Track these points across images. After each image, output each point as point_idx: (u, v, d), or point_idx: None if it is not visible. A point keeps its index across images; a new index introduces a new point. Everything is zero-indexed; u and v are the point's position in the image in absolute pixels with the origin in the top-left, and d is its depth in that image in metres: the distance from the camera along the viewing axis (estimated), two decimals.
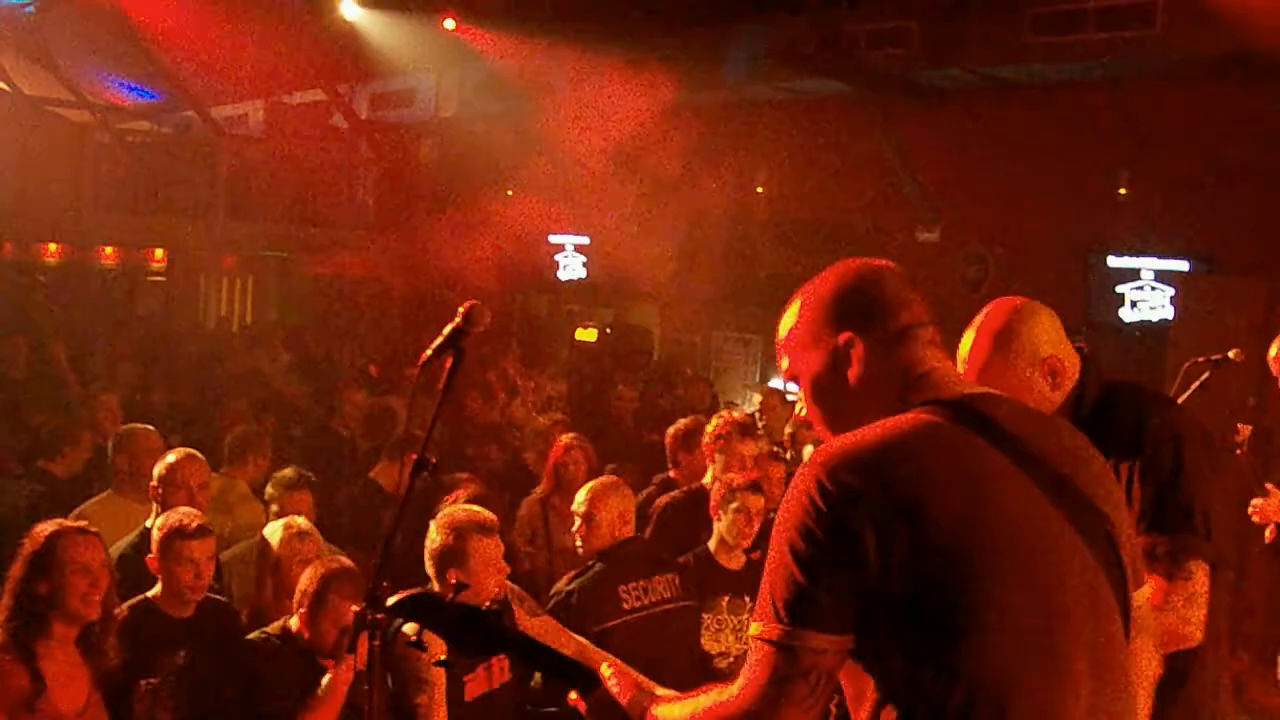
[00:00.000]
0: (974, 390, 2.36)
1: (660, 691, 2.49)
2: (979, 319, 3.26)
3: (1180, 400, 5.80)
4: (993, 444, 2.24)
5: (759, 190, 13.83)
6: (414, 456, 3.00)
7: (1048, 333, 3.24)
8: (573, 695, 2.54)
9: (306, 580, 4.46)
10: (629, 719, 2.45)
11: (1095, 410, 3.22)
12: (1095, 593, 2.25)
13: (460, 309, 3.02)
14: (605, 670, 2.53)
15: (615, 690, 2.48)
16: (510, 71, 14.35)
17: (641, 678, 2.54)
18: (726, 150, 13.35)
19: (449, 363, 3.00)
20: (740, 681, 2.21)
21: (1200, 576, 3.03)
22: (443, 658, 2.70)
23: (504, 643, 2.61)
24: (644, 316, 16.29)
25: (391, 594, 2.63)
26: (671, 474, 6.94)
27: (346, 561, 4.66)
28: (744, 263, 14.05)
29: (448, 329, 3.01)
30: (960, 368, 3.16)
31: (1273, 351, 6.22)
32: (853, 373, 2.38)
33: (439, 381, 3.02)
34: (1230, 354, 5.79)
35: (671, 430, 7.05)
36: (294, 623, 4.46)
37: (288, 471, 6.23)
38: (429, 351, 3.03)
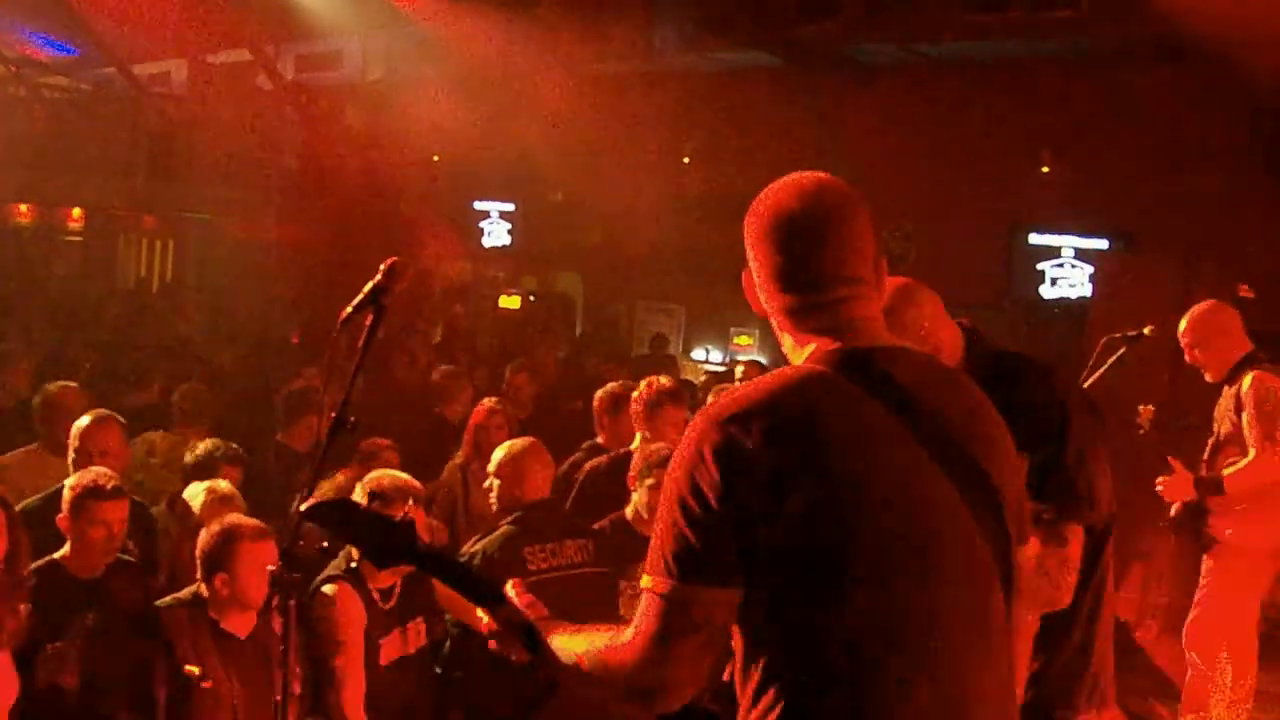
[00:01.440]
0: (876, 343, 2.33)
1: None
2: None
3: (1098, 374, 5.89)
4: (881, 399, 2.23)
5: (686, 161, 13.81)
6: (333, 415, 2.97)
7: (925, 311, 3.32)
8: (479, 612, 2.55)
9: (206, 540, 4.38)
10: (529, 640, 2.45)
11: (983, 384, 3.25)
12: (974, 554, 2.26)
13: (382, 265, 2.99)
14: (509, 589, 2.53)
15: (521, 607, 2.48)
16: (438, 36, 14.20)
17: (544, 609, 2.53)
18: (654, 120, 13.32)
19: (369, 320, 2.98)
20: (632, 630, 2.21)
21: (1074, 543, 3.13)
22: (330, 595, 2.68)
23: (414, 554, 2.59)
24: (568, 285, 16.25)
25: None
26: (600, 439, 6.91)
27: (248, 520, 4.59)
28: (669, 233, 14.04)
29: (368, 286, 2.98)
30: None
31: (1182, 327, 6.34)
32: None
33: (359, 340, 2.99)
34: (1146, 330, 5.88)
35: (599, 395, 7.00)
36: (203, 588, 4.39)
37: (209, 443, 6.13)
38: (349, 309, 3.00)
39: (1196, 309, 6.32)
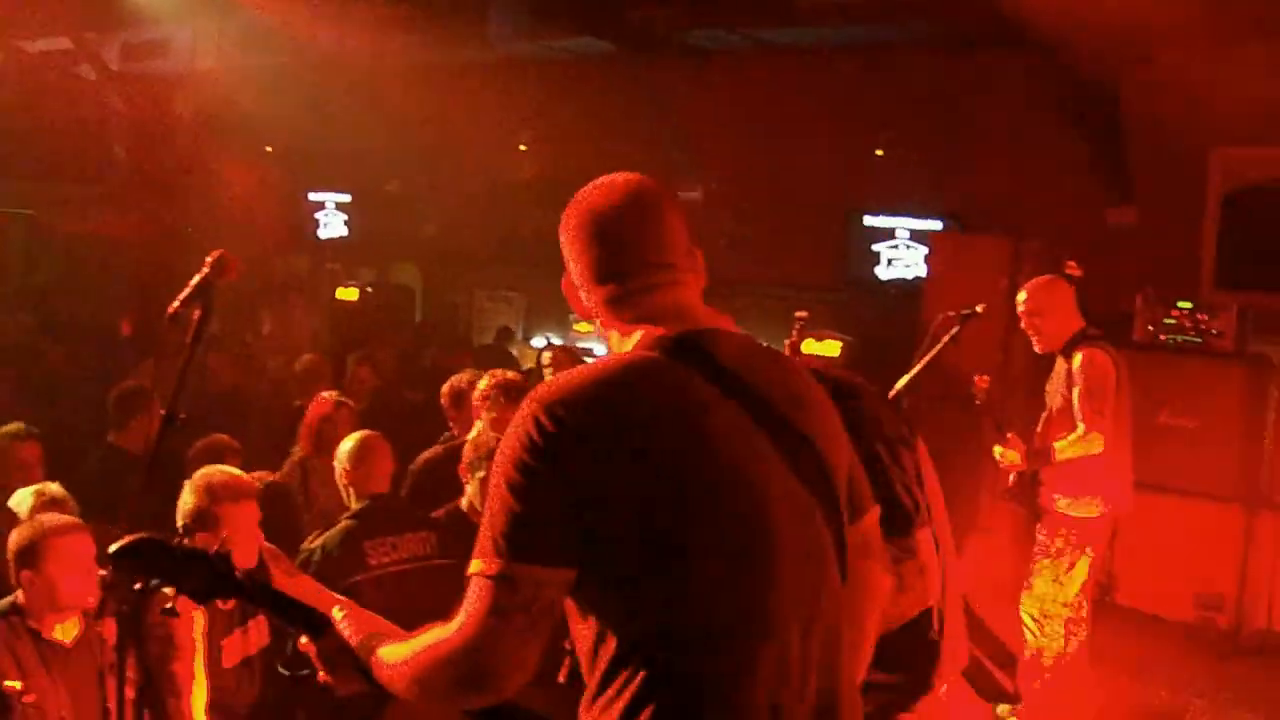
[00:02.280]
0: (699, 326, 2.37)
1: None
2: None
3: (933, 353, 6.01)
4: (709, 380, 2.27)
5: (522, 148, 13.71)
6: (163, 413, 2.90)
7: None
8: (303, 640, 2.51)
9: (14, 539, 4.23)
10: (360, 662, 2.42)
11: None
12: (807, 530, 2.31)
13: (208, 258, 2.92)
14: (337, 614, 2.49)
15: (346, 633, 2.45)
16: (270, 24, 13.89)
17: (382, 621, 2.50)
18: (490, 108, 13.21)
19: (197, 314, 2.91)
20: (460, 617, 2.20)
21: (923, 547, 3.29)
22: (169, 605, 2.61)
23: (232, 586, 2.54)
24: (406, 275, 16.07)
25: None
26: (453, 432, 6.89)
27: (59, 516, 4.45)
28: (507, 221, 13.98)
29: (195, 279, 2.92)
30: None
31: (1022, 297, 6.52)
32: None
33: (187, 335, 2.92)
34: (977, 308, 6.02)
35: (444, 388, 7.01)
36: (20, 596, 4.23)
37: (11, 426, 5.94)
38: (176, 303, 2.93)
39: (1036, 280, 6.54)
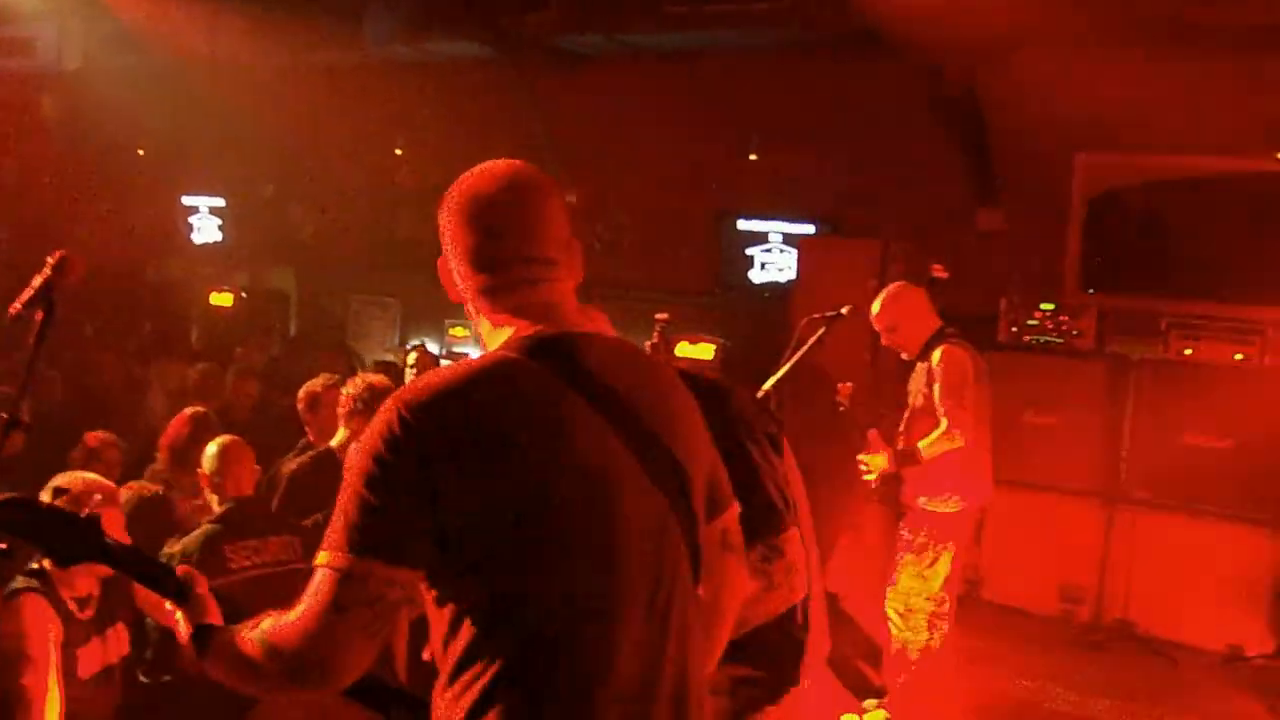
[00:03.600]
0: (567, 328, 2.40)
1: None
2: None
3: (799, 354, 6.08)
4: (570, 384, 2.30)
5: (398, 153, 13.63)
6: (4, 416, 2.85)
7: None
8: (168, 604, 2.52)
9: None
10: (200, 639, 2.43)
11: None
12: (656, 529, 2.35)
13: (49, 259, 2.88)
14: (198, 585, 2.53)
15: (209, 604, 2.50)
16: (140, 23, 13.65)
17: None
18: (367, 112, 13.13)
19: (40, 317, 2.87)
20: (301, 606, 2.20)
21: (790, 547, 3.33)
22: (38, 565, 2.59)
23: (100, 551, 2.52)
24: (282, 280, 15.88)
25: None
26: (309, 438, 6.86)
27: None
28: (383, 226, 13.89)
29: (37, 281, 2.87)
30: None
31: (875, 309, 6.63)
32: None
33: (30, 336, 2.88)
34: (843, 310, 6.09)
35: (301, 393, 6.99)
36: None
37: None
38: (18, 304, 2.89)
39: (885, 293, 6.64)
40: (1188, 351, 8.78)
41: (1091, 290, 9.86)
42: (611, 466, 2.29)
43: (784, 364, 6.04)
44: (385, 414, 2.21)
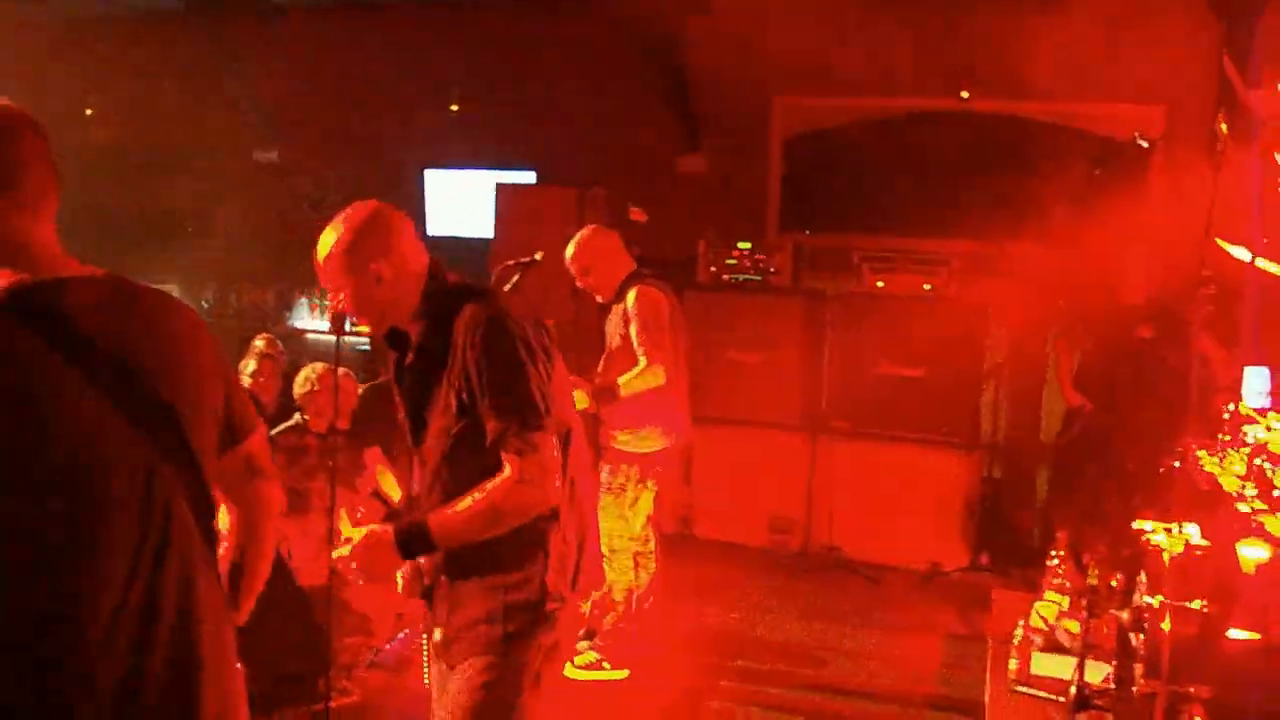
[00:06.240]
0: (44, 274, 2.32)
1: None
2: (336, 222, 3.49)
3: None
4: (43, 336, 2.21)
5: (89, 113, 13.02)
6: None
7: (379, 240, 3.48)
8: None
9: None
10: None
11: (440, 310, 3.48)
12: (147, 487, 2.30)
13: None
14: None
15: None
16: None
17: None
18: (53, 70, 12.50)
19: None
20: None
21: (545, 449, 3.31)
22: None
23: None
24: None
25: None
26: None
27: None
28: (76, 191, 13.26)
29: None
30: None
31: (570, 255, 6.64)
32: None
33: None
34: (536, 256, 6.07)
35: None
36: None
37: None
38: None
39: (578, 237, 6.65)
40: (880, 284, 9.08)
41: (790, 229, 10.13)
42: (79, 412, 2.22)
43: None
44: None
